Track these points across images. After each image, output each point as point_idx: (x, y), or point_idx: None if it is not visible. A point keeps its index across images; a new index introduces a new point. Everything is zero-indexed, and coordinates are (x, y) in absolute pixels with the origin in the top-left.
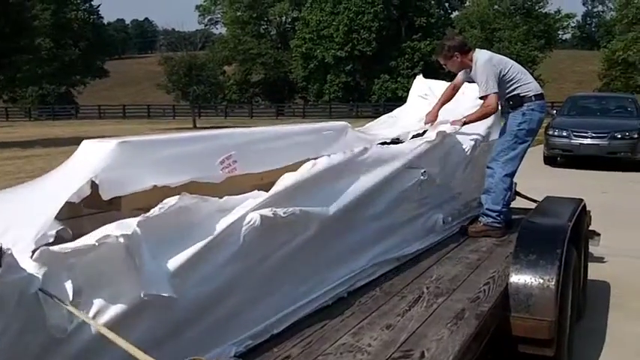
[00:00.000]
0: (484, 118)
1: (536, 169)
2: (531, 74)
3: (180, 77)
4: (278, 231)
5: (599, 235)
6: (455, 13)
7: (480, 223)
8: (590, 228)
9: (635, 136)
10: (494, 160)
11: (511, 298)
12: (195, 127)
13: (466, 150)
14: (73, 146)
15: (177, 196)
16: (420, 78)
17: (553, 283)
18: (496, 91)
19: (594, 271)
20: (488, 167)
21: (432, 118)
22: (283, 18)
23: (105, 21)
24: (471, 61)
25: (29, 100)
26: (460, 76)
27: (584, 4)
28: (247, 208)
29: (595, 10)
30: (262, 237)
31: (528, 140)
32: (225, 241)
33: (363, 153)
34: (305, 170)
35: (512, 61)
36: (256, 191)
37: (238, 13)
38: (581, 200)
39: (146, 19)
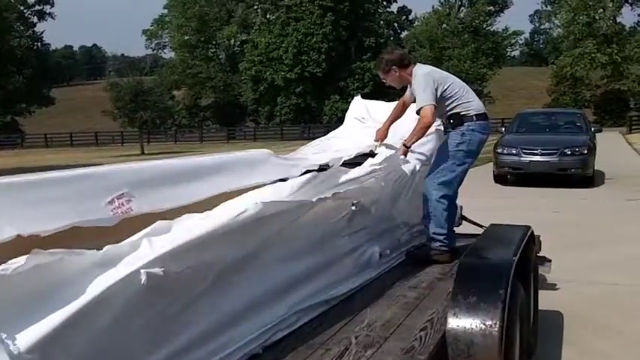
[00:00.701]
0: (423, 133)
1: (486, 187)
2: (481, 92)
3: (127, 103)
4: (172, 287)
5: (550, 261)
6: (404, 33)
7: (427, 249)
8: (541, 254)
9: (585, 151)
10: (430, 181)
11: (450, 348)
12: (143, 154)
13: (406, 174)
14: None
15: (27, 255)
16: (357, 99)
17: (496, 328)
18: (432, 103)
19: (545, 300)
20: (424, 191)
21: (382, 135)
22: (232, 41)
23: (52, 47)
24: (411, 75)
25: None
26: (408, 92)
27: (531, 22)
28: (134, 266)
29: (542, 27)
30: (150, 296)
31: (467, 162)
32: (103, 303)
33: (281, 188)
34: (209, 214)
35: (454, 77)
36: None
37: (186, 37)
38: (529, 227)
39: (94, 45)
